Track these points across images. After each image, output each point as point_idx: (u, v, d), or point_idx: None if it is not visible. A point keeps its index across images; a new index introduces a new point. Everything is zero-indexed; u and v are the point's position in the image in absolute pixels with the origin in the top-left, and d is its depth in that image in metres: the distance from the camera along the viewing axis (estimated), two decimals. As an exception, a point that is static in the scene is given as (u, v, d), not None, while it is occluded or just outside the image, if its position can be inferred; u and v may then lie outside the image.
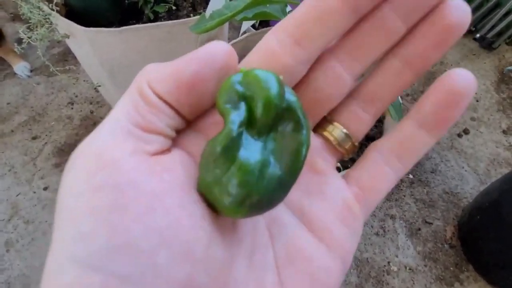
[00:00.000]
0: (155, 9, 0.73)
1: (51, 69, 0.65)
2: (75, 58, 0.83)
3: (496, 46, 1.28)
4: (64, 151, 0.97)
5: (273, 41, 0.14)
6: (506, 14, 1.25)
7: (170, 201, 0.11)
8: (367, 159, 0.16)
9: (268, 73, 0.12)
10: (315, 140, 0.16)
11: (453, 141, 1.04)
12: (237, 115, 0.12)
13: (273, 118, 0.12)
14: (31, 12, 0.60)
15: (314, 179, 0.16)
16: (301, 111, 0.13)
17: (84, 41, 0.63)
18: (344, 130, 0.16)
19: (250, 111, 0.12)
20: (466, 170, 0.97)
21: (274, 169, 0.12)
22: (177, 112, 0.13)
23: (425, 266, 0.81)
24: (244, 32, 0.73)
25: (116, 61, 0.65)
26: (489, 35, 1.27)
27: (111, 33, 0.61)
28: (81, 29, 0.60)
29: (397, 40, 0.14)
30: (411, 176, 0.95)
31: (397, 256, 0.82)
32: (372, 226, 0.86)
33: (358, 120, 0.16)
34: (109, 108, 1.04)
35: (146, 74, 0.13)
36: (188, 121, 0.14)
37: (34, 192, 0.89)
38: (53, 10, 0.58)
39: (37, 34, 0.59)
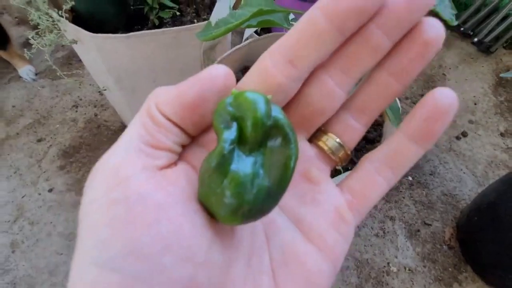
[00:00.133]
0: (160, 15, 0.74)
1: (58, 73, 0.67)
2: (79, 61, 0.85)
3: (493, 50, 1.30)
4: (69, 153, 0.98)
5: (268, 61, 0.15)
6: (503, 19, 1.27)
7: (173, 212, 0.13)
8: (360, 169, 0.17)
9: (256, 94, 0.13)
10: (310, 150, 0.17)
11: (452, 144, 1.05)
12: (229, 134, 0.13)
13: (261, 135, 0.13)
14: (40, 18, 0.61)
15: (309, 187, 0.17)
16: (288, 126, 0.14)
17: (91, 46, 0.65)
18: (338, 140, 0.17)
19: (241, 130, 0.13)
20: (464, 172, 0.99)
21: (263, 181, 0.13)
22: (182, 130, 0.15)
23: (424, 267, 0.82)
24: (247, 38, 0.74)
25: (123, 66, 0.66)
26: (487, 39, 1.29)
27: (118, 39, 0.62)
28: (88, 35, 0.61)
29: (384, 54, 0.16)
30: (410, 178, 0.96)
31: (396, 257, 0.83)
32: (372, 228, 0.87)
33: (350, 129, 0.17)
34: (113, 111, 1.06)
35: (154, 97, 0.14)
36: (192, 137, 0.15)
37: (39, 194, 0.90)
38: (62, 16, 0.60)
39: (46, 39, 0.60)
